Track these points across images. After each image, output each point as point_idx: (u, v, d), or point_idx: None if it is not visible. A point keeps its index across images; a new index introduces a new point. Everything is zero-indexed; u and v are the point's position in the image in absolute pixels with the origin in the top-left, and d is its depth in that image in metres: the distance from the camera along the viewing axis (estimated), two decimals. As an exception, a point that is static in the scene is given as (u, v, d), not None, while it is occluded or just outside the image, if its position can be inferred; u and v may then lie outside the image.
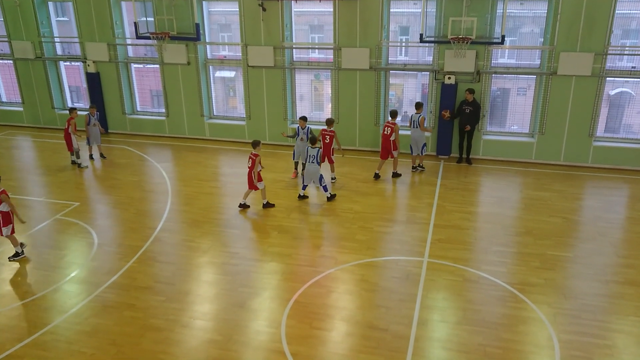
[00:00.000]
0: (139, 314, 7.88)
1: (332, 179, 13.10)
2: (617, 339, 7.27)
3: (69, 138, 14.22)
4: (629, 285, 8.51)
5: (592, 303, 8.03)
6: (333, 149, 12.94)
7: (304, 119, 13.07)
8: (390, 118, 13.18)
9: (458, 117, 14.17)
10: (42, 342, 7.30)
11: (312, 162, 11.62)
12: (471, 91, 13.74)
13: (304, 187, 11.96)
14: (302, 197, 12.01)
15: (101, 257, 9.61)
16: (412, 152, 13.83)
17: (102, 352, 7.08)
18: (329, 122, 13.04)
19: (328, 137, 12.83)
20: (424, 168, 14.01)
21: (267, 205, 11.57)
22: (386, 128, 13.08)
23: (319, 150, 11.66)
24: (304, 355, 6.96)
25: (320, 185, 11.72)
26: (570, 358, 6.87)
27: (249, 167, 11.28)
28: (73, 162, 14.69)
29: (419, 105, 13.49)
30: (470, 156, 14.52)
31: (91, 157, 15.07)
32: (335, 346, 7.17)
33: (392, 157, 13.27)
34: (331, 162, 13.06)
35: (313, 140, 11.88)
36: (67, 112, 14.72)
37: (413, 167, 13.93)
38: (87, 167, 14.51)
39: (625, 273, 8.89)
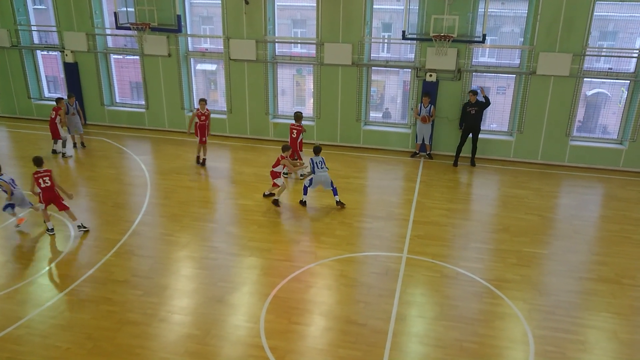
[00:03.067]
0: (116, 308, 7.80)
1: (300, 175, 12.93)
2: (589, 334, 7.44)
3: (55, 127, 14.13)
4: (601, 282, 8.70)
5: (566, 299, 8.19)
6: (300, 143, 13.06)
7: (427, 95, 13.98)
8: (295, 121, 13.16)
9: (463, 120, 13.96)
10: (16, 336, 7.18)
11: (320, 168, 11.35)
12: (474, 92, 13.69)
13: (306, 192, 11.51)
14: (304, 203, 11.56)
15: (77, 250, 9.47)
16: (417, 140, 14.49)
17: (77, 346, 6.99)
18: (297, 117, 13.12)
19: (295, 131, 12.90)
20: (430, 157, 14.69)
21: (275, 203, 11.48)
22: (292, 131, 13.10)
23: (322, 158, 11.47)
24: (282, 349, 6.97)
25: (332, 188, 11.45)
26: (544, 353, 7.00)
27: (292, 137, 12.70)
28: (54, 152, 14.53)
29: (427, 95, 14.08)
30: (475, 156, 14.36)
31: (75, 145, 15.04)
32: (314, 341, 7.20)
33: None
34: (300, 158, 13.05)
35: (317, 150, 11.57)
36: (54, 102, 14.53)
37: (426, 154, 14.37)
38: (71, 156, 14.40)
39: (599, 270, 9.09)
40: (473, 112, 13.70)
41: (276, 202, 11.49)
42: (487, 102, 13.60)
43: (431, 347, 7.10)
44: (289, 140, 13.21)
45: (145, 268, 8.90)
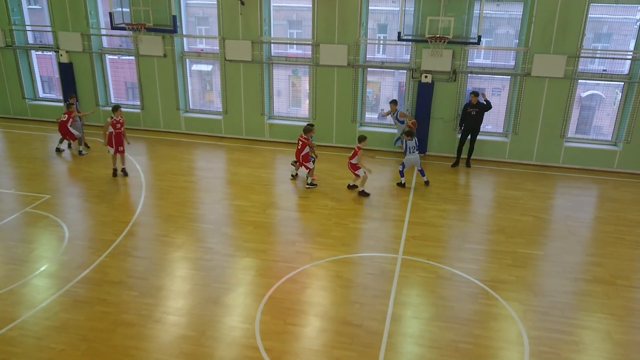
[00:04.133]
0: (111, 309, 7.77)
1: (307, 184, 12.58)
2: (584, 335, 7.46)
3: (67, 130, 14.07)
4: (596, 283, 8.74)
5: (561, 300, 8.22)
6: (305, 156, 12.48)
7: (394, 102, 14.10)
8: (303, 133, 12.52)
9: (463, 121, 13.91)
10: (10, 337, 7.14)
11: (412, 152, 12.46)
12: (475, 93, 13.66)
13: (402, 174, 12.61)
14: (402, 185, 12.59)
15: (72, 251, 9.43)
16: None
17: (72, 347, 6.96)
18: (306, 129, 12.48)
19: (301, 143, 12.35)
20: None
21: (362, 194, 12.05)
22: (299, 142, 12.52)
23: (416, 140, 12.50)
24: (277, 350, 6.97)
25: (420, 169, 12.68)
26: (539, 354, 7.02)
27: (298, 149, 12.47)
28: (58, 150, 14.66)
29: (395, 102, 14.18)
30: (471, 157, 14.37)
31: (69, 146, 15.14)
32: (310, 342, 7.19)
33: (307, 169, 12.64)
34: (306, 167, 12.56)
35: (409, 133, 12.43)
36: (67, 107, 14.33)
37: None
38: (86, 153, 14.54)
39: (593, 271, 9.13)
40: (473, 113, 13.70)
41: (363, 193, 12.00)
42: (488, 106, 13.63)
43: (426, 347, 7.11)
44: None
45: (141, 269, 8.88)
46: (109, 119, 12.62)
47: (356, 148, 11.95)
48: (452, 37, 13.44)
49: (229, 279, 8.64)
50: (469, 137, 14.06)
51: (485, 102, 13.58)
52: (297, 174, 13.15)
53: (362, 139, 12.07)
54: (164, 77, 16.40)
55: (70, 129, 14.15)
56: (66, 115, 14.05)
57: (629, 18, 13.73)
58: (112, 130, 12.64)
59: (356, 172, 12.03)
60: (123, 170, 13.10)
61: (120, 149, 12.88)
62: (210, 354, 6.92)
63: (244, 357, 6.85)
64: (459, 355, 6.97)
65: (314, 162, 12.74)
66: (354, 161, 11.96)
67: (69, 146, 15.03)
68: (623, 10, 13.56)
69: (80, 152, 14.57)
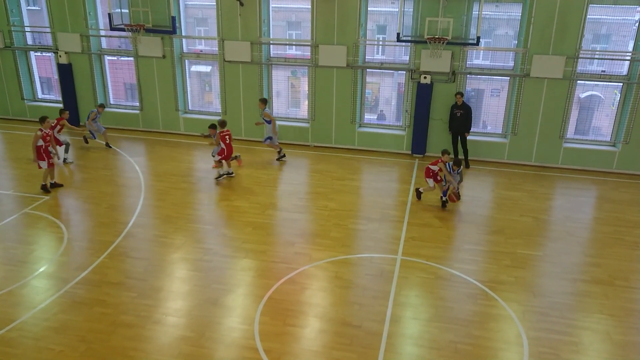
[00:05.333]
0: (110, 310, 7.76)
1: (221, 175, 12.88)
2: (583, 336, 7.46)
3: (55, 138, 13.62)
4: (595, 284, 8.74)
5: (560, 301, 8.22)
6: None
7: (263, 101, 13.83)
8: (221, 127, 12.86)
9: (451, 123, 14.04)
10: (9, 338, 7.13)
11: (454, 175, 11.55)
12: (461, 94, 13.70)
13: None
14: (445, 204, 11.71)
15: (71, 252, 9.42)
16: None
17: (70, 348, 6.95)
18: (220, 123, 12.83)
19: (228, 137, 12.74)
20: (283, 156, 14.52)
21: (418, 195, 11.91)
22: (226, 137, 12.82)
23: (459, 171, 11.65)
24: (277, 351, 6.96)
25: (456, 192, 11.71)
26: (538, 354, 7.02)
27: (227, 144, 12.54)
28: (65, 161, 14.26)
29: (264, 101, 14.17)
30: (469, 158, 14.37)
31: (107, 145, 15.32)
32: (309, 343, 7.19)
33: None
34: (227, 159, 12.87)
35: (457, 163, 11.44)
36: (60, 113, 14.03)
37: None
38: (72, 162, 14.11)
39: (592, 272, 9.13)
40: (459, 114, 13.76)
41: (418, 194, 11.92)
42: (470, 110, 13.69)
43: (426, 348, 7.11)
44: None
45: (140, 270, 8.87)
46: (37, 132, 11.58)
47: (438, 160, 11.45)
48: (451, 38, 13.45)
49: (228, 280, 8.63)
50: (460, 138, 14.11)
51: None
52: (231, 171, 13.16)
53: (444, 152, 11.43)
54: (163, 78, 16.39)
55: (58, 136, 13.69)
56: (55, 121, 13.53)
57: (628, 19, 13.75)
58: (43, 143, 11.62)
59: (427, 179, 11.65)
60: (55, 183, 12.19)
61: (51, 161, 11.88)
62: (209, 355, 6.91)
63: (243, 358, 6.84)
64: (458, 356, 6.97)
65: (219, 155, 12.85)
66: (433, 167, 11.49)
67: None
68: (622, 12, 13.58)
69: (64, 160, 14.01)
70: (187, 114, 16.90)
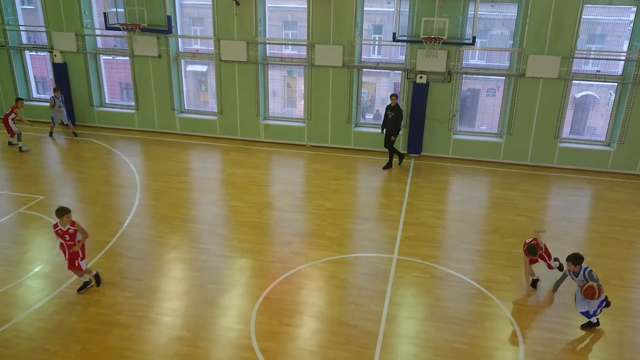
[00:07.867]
0: (105, 310, 7.74)
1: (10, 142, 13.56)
2: (578, 334, 7.49)
3: (7, 124, 14.55)
4: (590, 283, 8.76)
5: (555, 300, 8.24)
6: None
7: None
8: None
9: (384, 124, 13.76)
10: (3, 339, 7.10)
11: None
12: (397, 96, 13.48)
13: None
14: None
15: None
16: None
17: (65, 349, 6.93)
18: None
19: None
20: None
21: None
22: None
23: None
24: (273, 351, 6.96)
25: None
26: (534, 353, 7.05)
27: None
28: (10, 144, 14.97)
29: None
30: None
31: (75, 135, 15.93)
32: (305, 342, 7.19)
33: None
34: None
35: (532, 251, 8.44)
36: (16, 101, 15.13)
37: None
38: (27, 150, 14.68)
39: (587, 271, 9.15)
40: (390, 116, 13.53)
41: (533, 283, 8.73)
42: (401, 113, 13.45)
43: (422, 348, 7.13)
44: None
45: (135, 270, 8.85)
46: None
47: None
48: (447, 37, 13.45)
49: (224, 280, 8.63)
50: (387, 140, 13.76)
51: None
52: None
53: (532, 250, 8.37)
54: (158, 78, 16.35)
55: (12, 125, 14.50)
56: (10, 109, 14.56)
57: (623, 19, 13.80)
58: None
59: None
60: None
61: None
62: (205, 355, 6.90)
63: (239, 357, 6.84)
64: (454, 355, 6.98)
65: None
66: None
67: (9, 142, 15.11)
68: (616, 12, 13.64)
69: (20, 148, 14.64)
70: (183, 113, 16.86)
